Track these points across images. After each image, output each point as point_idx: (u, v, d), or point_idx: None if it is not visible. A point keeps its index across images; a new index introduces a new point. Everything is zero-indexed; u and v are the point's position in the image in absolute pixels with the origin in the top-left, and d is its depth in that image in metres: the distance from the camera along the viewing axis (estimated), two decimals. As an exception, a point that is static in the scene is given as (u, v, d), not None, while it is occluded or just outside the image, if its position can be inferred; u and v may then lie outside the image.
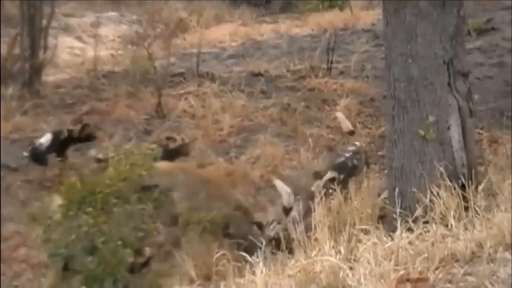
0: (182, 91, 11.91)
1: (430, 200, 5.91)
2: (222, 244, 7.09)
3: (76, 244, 6.19)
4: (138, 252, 6.65)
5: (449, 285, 4.45)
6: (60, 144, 9.54)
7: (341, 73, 12.52)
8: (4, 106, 10.91)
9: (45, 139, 9.44)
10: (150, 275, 6.69)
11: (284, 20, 16.85)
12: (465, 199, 5.91)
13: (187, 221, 7.38)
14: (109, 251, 6.10)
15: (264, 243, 5.65)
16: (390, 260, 4.75)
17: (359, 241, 5.30)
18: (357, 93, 11.59)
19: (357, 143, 9.56)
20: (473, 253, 4.83)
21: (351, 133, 10.51)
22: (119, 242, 6.16)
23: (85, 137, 9.76)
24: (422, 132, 6.41)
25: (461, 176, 6.33)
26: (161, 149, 8.73)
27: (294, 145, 10.15)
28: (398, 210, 5.74)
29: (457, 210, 5.62)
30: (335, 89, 11.83)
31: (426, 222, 5.50)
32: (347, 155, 8.59)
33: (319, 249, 5.19)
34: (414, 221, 5.53)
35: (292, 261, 5.09)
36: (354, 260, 4.94)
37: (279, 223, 7.61)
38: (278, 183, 8.48)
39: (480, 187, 6.03)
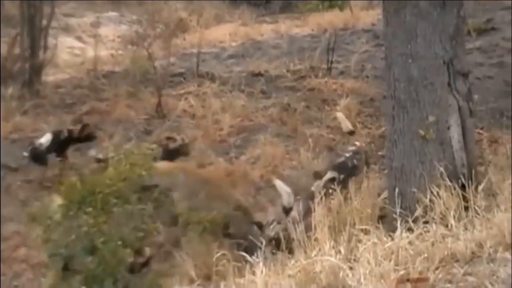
0: (182, 91, 11.91)
1: (430, 200, 5.90)
2: (222, 244, 7.08)
3: (76, 244, 6.19)
4: (138, 252, 6.65)
5: (449, 285, 4.45)
6: (60, 144, 9.54)
7: (341, 73, 12.52)
8: (4, 106, 10.91)
9: (45, 139, 9.44)
10: (150, 275, 6.69)
11: (284, 20, 16.84)
12: (465, 199, 5.90)
13: (187, 221, 7.37)
14: (109, 251, 6.11)
15: (264, 243, 5.63)
16: (390, 260, 4.74)
17: (359, 241, 5.29)
18: (357, 93, 11.59)
19: (357, 143, 9.54)
20: (473, 253, 4.83)
21: (351, 133, 10.51)
22: (119, 242, 6.17)
23: (85, 137, 9.76)
24: (422, 132, 6.40)
25: (461, 176, 6.32)
26: (161, 149, 8.70)
27: (294, 145, 10.14)
28: (398, 210, 5.74)
29: (457, 210, 5.61)
30: (335, 89, 11.83)
31: (426, 222, 5.49)
32: (347, 155, 8.59)
33: (319, 249, 5.18)
34: (414, 221, 5.52)
35: (292, 261, 5.08)
36: (354, 260, 4.93)
37: (279, 223, 7.60)
38: (278, 183, 8.47)
39: (480, 187, 6.02)
